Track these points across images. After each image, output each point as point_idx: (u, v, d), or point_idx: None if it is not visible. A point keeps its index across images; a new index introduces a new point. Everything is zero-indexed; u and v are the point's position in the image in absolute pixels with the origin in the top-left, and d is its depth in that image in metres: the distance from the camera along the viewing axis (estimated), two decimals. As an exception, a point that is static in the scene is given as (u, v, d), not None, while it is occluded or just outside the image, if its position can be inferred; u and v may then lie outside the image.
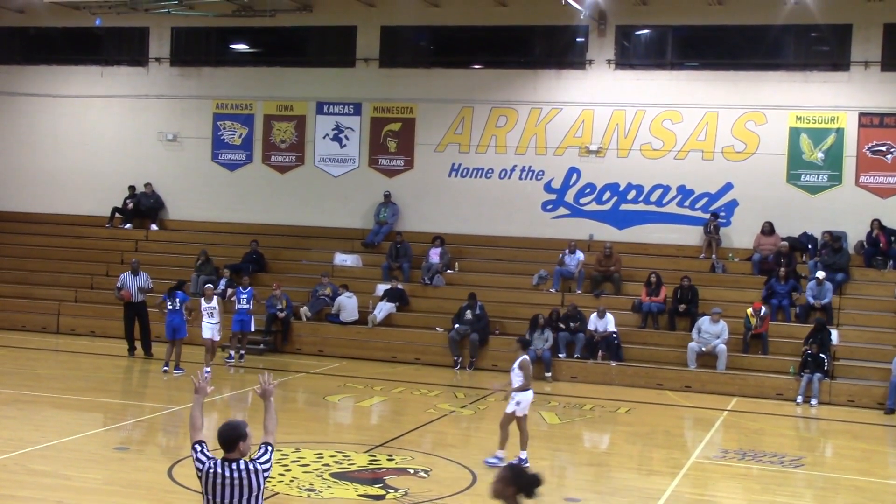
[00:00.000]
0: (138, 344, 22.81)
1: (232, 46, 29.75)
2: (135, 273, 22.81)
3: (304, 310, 24.53)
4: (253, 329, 22.71)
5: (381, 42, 27.66)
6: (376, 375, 21.77)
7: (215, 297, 21.20)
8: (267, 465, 7.15)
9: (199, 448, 7.17)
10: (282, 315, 23.90)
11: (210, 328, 20.80)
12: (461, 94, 26.97)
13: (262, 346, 23.86)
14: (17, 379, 19.73)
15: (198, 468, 7.10)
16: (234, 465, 7.04)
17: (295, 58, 28.85)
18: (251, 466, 7.07)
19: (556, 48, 26.96)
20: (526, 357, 14.58)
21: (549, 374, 22.13)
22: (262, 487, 7.09)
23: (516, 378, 14.38)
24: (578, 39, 26.56)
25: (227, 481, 7.00)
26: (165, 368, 20.82)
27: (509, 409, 14.34)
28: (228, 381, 20.60)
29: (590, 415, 18.92)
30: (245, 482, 7.01)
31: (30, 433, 15.04)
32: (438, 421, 17.56)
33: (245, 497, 7.01)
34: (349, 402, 19.17)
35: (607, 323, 22.58)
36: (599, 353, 22.47)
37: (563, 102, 26.38)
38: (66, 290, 26.87)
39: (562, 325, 22.75)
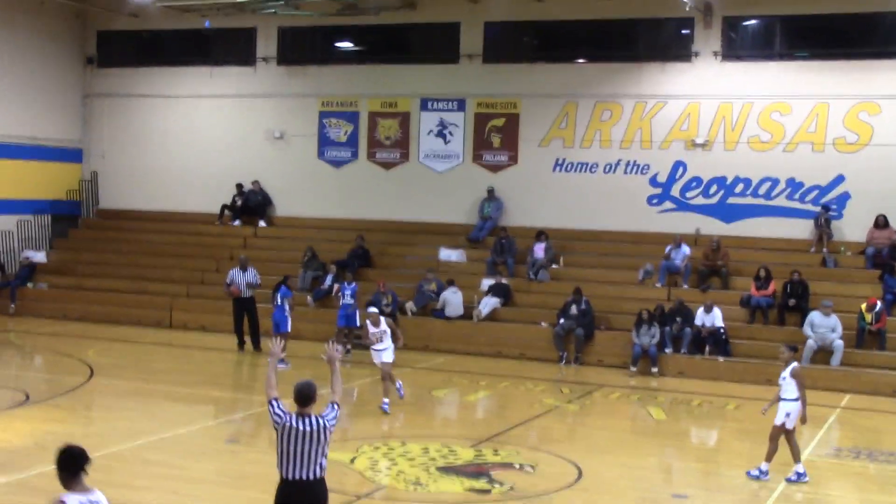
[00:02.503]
0: (248, 339, 23.16)
1: (337, 45, 29.97)
2: (243, 269, 23.09)
3: (410, 305, 24.64)
4: (359, 324, 22.66)
5: (484, 38, 27.58)
6: (481, 370, 21.78)
7: (382, 319, 17.71)
8: (334, 421, 7.97)
9: (275, 404, 7.95)
10: (388, 310, 24.00)
11: (377, 354, 17.72)
12: (565, 89, 26.83)
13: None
14: (134, 372, 20.24)
15: (276, 422, 7.86)
16: (307, 420, 7.82)
17: (399, 55, 28.93)
18: (321, 422, 7.87)
19: (661, 41, 26.60)
20: (797, 364, 13.60)
21: (655, 370, 21.95)
22: (328, 440, 7.89)
23: (788, 387, 13.46)
24: (683, 31, 26.19)
25: (302, 434, 7.76)
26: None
27: (778, 421, 13.41)
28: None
29: (697, 411, 18.69)
30: (316, 435, 7.78)
31: (146, 424, 15.41)
32: (544, 416, 17.52)
33: (315, 447, 7.77)
34: (455, 397, 19.23)
35: (714, 318, 22.28)
36: (707, 348, 22.16)
37: (668, 96, 26.08)
38: (179, 286, 27.36)
39: (668, 320, 22.52)
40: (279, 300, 21.27)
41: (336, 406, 8.13)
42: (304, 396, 7.93)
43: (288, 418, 7.83)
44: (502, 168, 27.57)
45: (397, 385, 17.55)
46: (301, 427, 7.79)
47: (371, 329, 17.32)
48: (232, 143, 30.10)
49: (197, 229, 29.62)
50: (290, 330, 21.15)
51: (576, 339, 23.01)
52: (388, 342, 17.38)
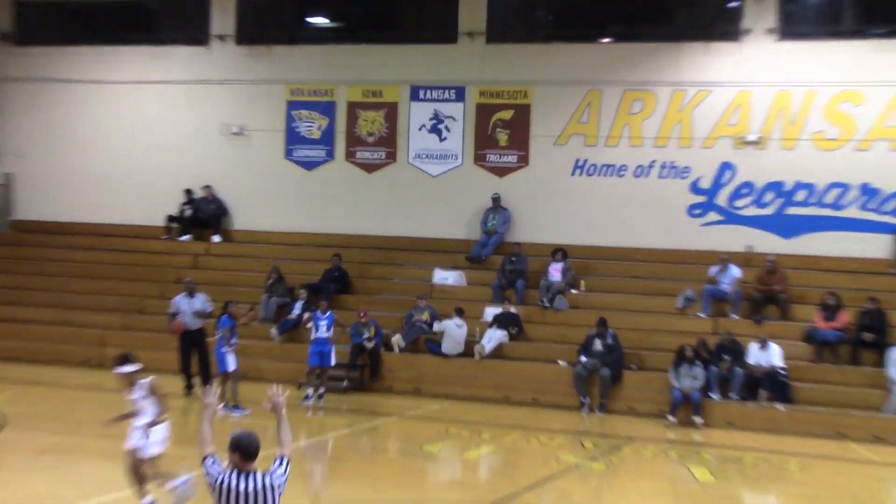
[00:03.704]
0: (197, 380, 22.91)
1: (309, 20, 29.89)
2: (191, 295, 22.94)
3: (397, 339, 24.47)
4: (334, 363, 22.66)
5: (488, 12, 27.69)
6: (485, 419, 21.69)
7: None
8: (283, 479, 8.03)
9: (210, 461, 8.10)
10: (370, 345, 23.84)
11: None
12: (587, 75, 26.82)
13: (345, 383, 23.80)
14: (55, 423, 19.85)
15: (210, 482, 7.95)
16: (250, 478, 7.89)
17: (385, 33, 28.96)
18: (267, 480, 7.94)
19: (704, 16, 26.58)
20: None
21: (699, 420, 21.78)
22: (277, 502, 7.94)
23: None
24: (731, 4, 26.25)
25: (243, 495, 7.81)
26: (223, 407, 20.79)
27: None
28: (305, 426, 20.50)
29: (752, 471, 18.42)
30: (261, 496, 7.85)
31: (67, 489, 15.07)
32: (562, 476, 17.27)
33: None
34: (452, 453, 19.14)
35: (771, 355, 22.19)
36: (762, 393, 21.99)
37: (713, 83, 26.09)
38: (112, 316, 27.14)
39: (714, 358, 22.36)
40: (217, 332, 21.21)
41: (285, 460, 8.17)
42: (244, 448, 7.96)
43: (225, 476, 7.89)
44: (510, 171, 27.55)
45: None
46: (242, 486, 7.84)
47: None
48: (180, 140, 30.06)
49: (136, 246, 29.55)
50: (233, 369, 21.00)
51: (601, 380, 22.85)
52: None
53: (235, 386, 20.89)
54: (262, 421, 18.28)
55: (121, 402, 22.26)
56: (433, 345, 24.37)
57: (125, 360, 13.61)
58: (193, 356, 22.94)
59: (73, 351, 26.40)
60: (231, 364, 20.93)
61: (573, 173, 27.00)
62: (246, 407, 20.56)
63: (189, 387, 22.91)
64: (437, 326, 24.43)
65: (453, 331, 24.22)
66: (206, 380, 22.76)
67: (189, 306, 22.85)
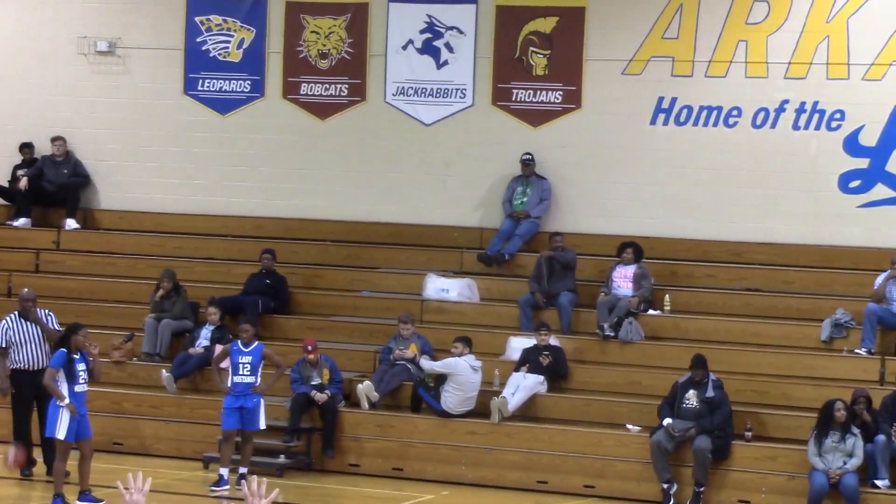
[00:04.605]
0: (39, 453, 22.88)
1: None
2: (25, 316, 23.05)
3: (367, 387, 24.55)
4: (263, 426, 22.97)
5: None
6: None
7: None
8: None
9: None
10: (322, 398, 23.83)
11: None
12: (676, -39, 26.98)
13: (281, 457, 23.98)
14: None
15: None
16: None
17: None
18: None
19: None
20: None
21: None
22: None
23: None
24: None
25: None
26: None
27: None
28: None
29: None
30: None
31: None
32: None
33: None
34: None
35: (982, 420, 22.17)
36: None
37: (883, -25, 26.20)
38: None
39: (881, 423, 22.31)
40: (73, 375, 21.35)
41: None
42: None
43: None
44: (551, 117, 27.70)
45: None
46: None
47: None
48: (18, 64, 30.29)
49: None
50: (62, 435, 21.03)
51: (696, 456, 22.88)
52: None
53: (86, 463, 20.89)
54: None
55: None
56: (428, 396, 24.45)
57: None
58: (33, 414, 23.04)
59: None
60: (64, 428, 20.96)
61: (653, 121, 27.22)
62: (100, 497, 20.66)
63: (28, 461, 22.83)
64: (438, 366, 24.45)
65: (465, 375, 24.34)
66: (51, 453, 22.66)
67: (27, 335, 22.86)
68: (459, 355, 24.25)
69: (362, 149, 28.56)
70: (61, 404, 20.85)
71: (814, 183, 26.52)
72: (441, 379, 24.34)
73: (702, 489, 22.74)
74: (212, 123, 29.31)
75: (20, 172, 29.67)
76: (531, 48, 27.83)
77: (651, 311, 25.82)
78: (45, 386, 21.04)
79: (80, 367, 21.07)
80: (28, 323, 22.96)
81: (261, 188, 28.94)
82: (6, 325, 23.09)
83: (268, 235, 28.08)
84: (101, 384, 22.44)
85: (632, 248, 25.83)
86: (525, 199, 27.33)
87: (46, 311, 23.32)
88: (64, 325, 22.63)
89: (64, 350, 21.15)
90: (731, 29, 26.75)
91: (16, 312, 23.15)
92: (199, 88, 29.36)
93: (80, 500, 20.72)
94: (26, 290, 23.91)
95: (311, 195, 28.70)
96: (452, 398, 24.23)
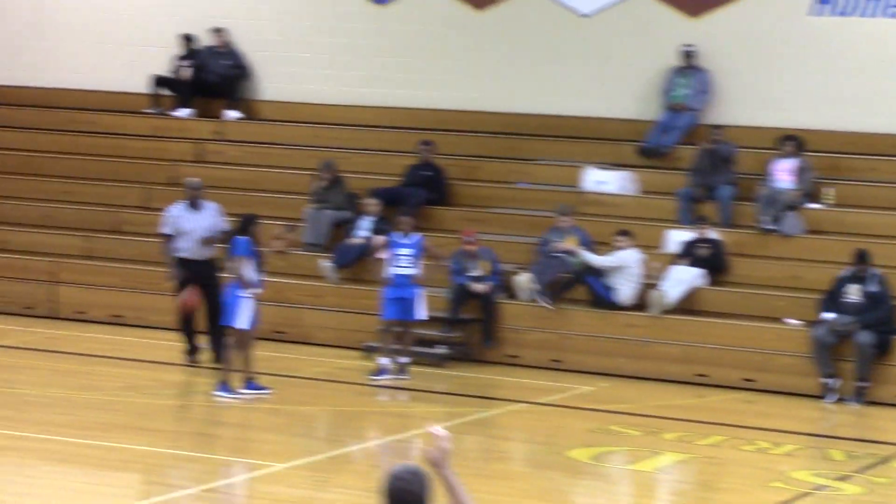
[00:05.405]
0: (205, 341, 23.25)
1: None
2: (194, 205, 23.36)
3: (526, 279, 24.51)
4: (424, 316, 23.07)
5: None
6: (666, 410, 22.06)
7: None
8: None
9: None
10: (481, 289, 23.90)
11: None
12: None
13: (443, 347, 24.09)
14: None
15: None
16: None
17: None
18: None
19: None
20: None
21: None
22: None
23: None
24: None
25: None
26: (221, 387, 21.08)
27: None
28: (379, 418, 20.66)
29: None
30: None
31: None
32: (795, 505, 17.24)
33: None
34: (616, 464, 19.25)
35: None
36: None
37: None
38: (69, 237, 27.73)
39: None
40: (229, 263, 21.72)
41: None
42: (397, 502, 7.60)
43: None
44: (711, 7, 27.54)
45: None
46: None
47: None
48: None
49: (105, 125, 30.19)
50: (249, 326, 21.25)
51: (858, 351, 22.85)
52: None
53: (247, 351, 21.10)
54: (292, 406, 18.46)
55: (80, 376, 22.65)
56: (601, 287, 24.49)
57: None
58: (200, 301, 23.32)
59: (10, 290, 26.94)
60: (246, 317, 21.22)
61: (816, 11, 26.91)
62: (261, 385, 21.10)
63: (192, 351, 23.30)
64: (610, 260, 24.48)
65: (635, 267, 24.39)
66: (218, 341, 22.93)
67: (194, 223, 23.15)
68: (626, 248, 24.40)
69: (520, 40, 28.45)
70: (242, 294, 21.18)
71: None
72: (610, 272, 24.45)
73: (864, 384, 22.77)
74: (370, 13, 29.30)
75: (182, 64, 29.91)
76: (690, -61, 27.65)
77: (812, 205, 25.69)
78: (235, 274, 21.22)
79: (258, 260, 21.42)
80: (193, 213, 23.24)
81: (418, 79, 28.89)
82: (175, 214, 23.41)
83: (426, 126, 28.08)
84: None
85: (793, 141, 25.70)
86: (685, 92, 27.24)
87: (214, 204, 23.47)
88: (235, 216, 22.84)
89: (245, 239, 21.42)
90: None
91: (183, 202, 23.41)
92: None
93: (247, 388, 21.00)
94: (193, 179, 24.16)
95: (468, 86, 28.54)
96: (625, 290, 24.33)
